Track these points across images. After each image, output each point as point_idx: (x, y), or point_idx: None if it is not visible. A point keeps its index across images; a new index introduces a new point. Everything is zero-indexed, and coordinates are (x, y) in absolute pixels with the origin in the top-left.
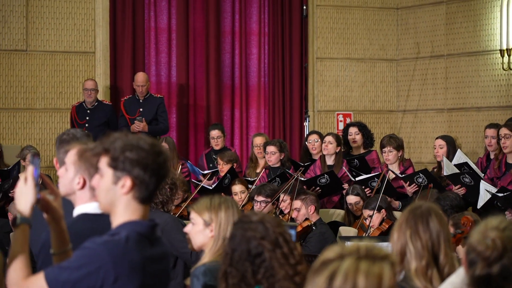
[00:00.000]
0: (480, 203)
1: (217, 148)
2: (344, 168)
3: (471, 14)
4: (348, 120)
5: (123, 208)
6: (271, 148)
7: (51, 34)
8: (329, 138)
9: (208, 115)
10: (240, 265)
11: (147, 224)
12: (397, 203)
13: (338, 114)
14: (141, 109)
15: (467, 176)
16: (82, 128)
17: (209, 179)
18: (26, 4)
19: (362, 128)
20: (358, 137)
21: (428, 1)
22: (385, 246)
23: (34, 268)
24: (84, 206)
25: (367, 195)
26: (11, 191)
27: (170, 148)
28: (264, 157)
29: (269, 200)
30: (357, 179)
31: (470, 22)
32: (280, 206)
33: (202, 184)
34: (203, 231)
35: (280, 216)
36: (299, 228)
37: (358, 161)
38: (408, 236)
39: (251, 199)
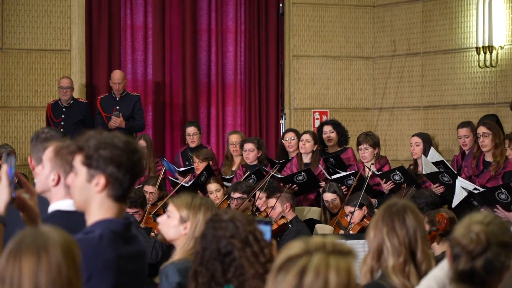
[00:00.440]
0: (455, 202)
1: (192, 145)
2: (320, 166)
3: (447, 12)
4: (324, 118)
5: (98, 206)
6: (249, 146)
7: (26, 32)
8: (306, 137)
9: (184, 113)
10: (210, 264)
11: (121, 222)
12: (373, 201)
13: (314, 112)
14: (117, 107)
15: (445, 175)
16: (57, 126)
17: (183, 175)
18: (1, 1)
19: (337, 126)
20: (333, 135)
21: None
22: (362, 244)
23: None
24: (58, 203)
25: (344, 193)
26: None
27: (147, 145)
28: (241, 155)
29: (245, 196)
30: (333, 177)
31: (446, 20)
32: (256, 204)
33: (181, 183)
34: (178, 226)
35: (257, 213)
36: (275, 226)
37: (334, 159)
38: (384, 233)
39: (227, 196)
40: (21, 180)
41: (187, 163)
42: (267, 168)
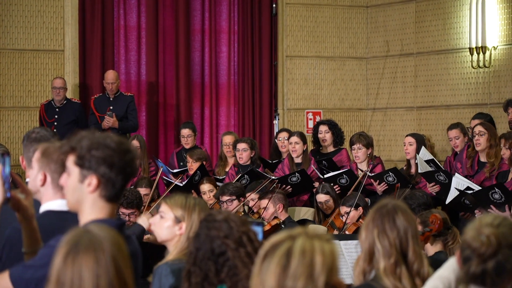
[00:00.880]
0: (449, 199)
1: (187, 147)
2: (312, 166)
3: (440, 12)
4: (318, 118)
5: (90, 207)
6: (242, 145)
7: (20, 32)
8: (295, 139)
9: (178, 113)
10: (204, 264)
11: (114, 223)
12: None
13: (307, 112)
14: (111, 107)
15: (442, 174)
16: (51, 127)
17: (180, 179)
18: None
19: (332, 126)
20: (328, 136)
21: None
22: (355, 245)
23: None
24: (49, 204)
25: (336, 192)
26: None
27: (140, 146)
28: (234, 155)
29: (234, 197)
30: (325, 176)
31: (440, 20)
32: (250, 205)
33: (175, 182)
34: (172, 227)
35: (250, 214)
36: (268, 227)
37: (326, 162)
38: (375, 235)
39: (217, 200)
40: (16, 180)
41: (181, 163)
42: (260, 169)
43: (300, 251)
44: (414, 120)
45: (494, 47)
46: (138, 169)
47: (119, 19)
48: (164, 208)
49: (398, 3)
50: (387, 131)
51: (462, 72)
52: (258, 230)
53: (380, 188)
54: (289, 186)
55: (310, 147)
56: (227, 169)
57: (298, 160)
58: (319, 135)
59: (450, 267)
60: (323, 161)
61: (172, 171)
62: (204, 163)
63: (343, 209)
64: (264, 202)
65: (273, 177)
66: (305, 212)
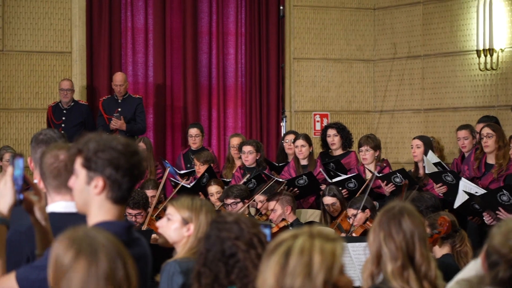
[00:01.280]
0: (457, 203)
1: (194, 147)
2: (320, 168)
3: (447, 15)
4: (325, 120)
5: (97, 209)
6: (247, 148)
7: (27, 34)
8: (300, 142)
9: (185, 115)
10: (214, 265)
11: (121, 225)
12: (374, 203)
13: (315, 115)
14: (119, 109)
15: (449, 174)
16: (58, 129)
17: (186, 180)
18: (2, 4)
19: (341, 130)
20: (337, 139)
21: (405, 1)
22: (363, 247)
23: None
24: (52, 206)
25: (344, 196)
26: None
27: (147, 148)
28: (240, 157)
29: (238, 200)
30: (333, 180)
31: (447, 23)
32: (258, 207)
33: (182, 183)
34: (180, 228)
35: (258, 216)
36: (276, 229)
37: (334, 164)
38: (382, 238)
39: (222, 203)
40: (30, 183)
41: (188, 165)
42: (266, 171)
43: (299, 250)
44: (421, 122)
45: (501, 49)
46: (145, 171)
47: (126, 21)
48: (170, 210)
49: (405, 5)
50: (394, 133)
51: (469, 74)
52: (266, 232)
53: (387, 189)
54: (296, 189)
55: (319, 149)
56: (234, 171)
57: (304, 162)
58: (328, 139)
59: (472, 270)
60: (331, 163)
61: (179, 172)
62: (212, 165)
63: (350, 211)
64: (272, 204)
65: (280, 179)
66: (311, 214)
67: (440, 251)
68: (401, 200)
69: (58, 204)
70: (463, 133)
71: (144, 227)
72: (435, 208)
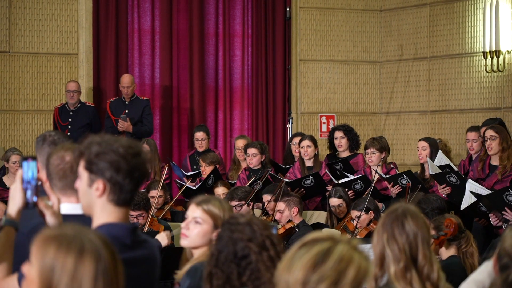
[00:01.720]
0: (464, 205)
1: (201, 150)
2: (324, 169)
3: (454, 17)
4: (331, 122)
5: (100, 211)
6: (252, 150)
7: (34, 36)
8: (306, 143)
9: (191, 117)
10: (226, 266)
11: (124, 227)
12: (380, 205)
13: (321, 116)
14: (126, 111)
15: (453, 175)
16: (65, 130)
17: (192, 181)
18: (9, 5)
19: (348, 132)
20: (344, 141)
21: (412, 3)
22: (368, 248)
23: None
24: None
25: (350, 197)
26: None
27: (151, 150)
28: (245, 159)
29: (243, 203)
30: (340, 181)
31: (453, 25)
32: (265, 207)
33: (186, 185)
34: (210, 233)
35: (264, 217)
36: (282, 230)
37: (342, 164)
38: (385, 240)
39: None
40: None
41: (195, 167)
42: (271, 171)
43: (339, 256)
44: (427, 124)
45: (508, 51)
46: (147, 172)
47: (133, 23)
48: (200, 214)
49: (411, 7)
50: (400, 135)
51: (475, 76)
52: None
53: (394, 190)
54: (302, 189)
55: (325, 151)
56: (240, 173)
57: (309, 164)
58: (335, 141)
59: (485, 272)
60: (339, 163)
61: (186, 173)
62: (217, 166)
63: (354, 213)
64: (280, 205)
65: (287, 180)
66: (318, 216)
67: (446, 252)
68: (405, 201)
69: (63, 206)
70: (472, 135)
71: (145, 229)
72: (440, 210)
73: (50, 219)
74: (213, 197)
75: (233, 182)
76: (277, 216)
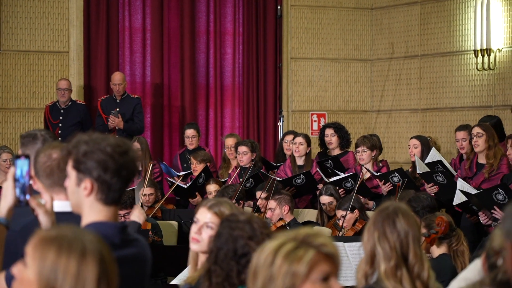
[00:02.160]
0: (456, 201)
1: (191, 147)
2: (315, 168)
3: (445, 15)
4: (322, 120)
5: (88, 210)
6: (242, 148)
7: (24, 34)
8: (299, 140)
9: (182, 115)
10: (225, 264)
11: (113, 226)
12: (371, 203)
13: (312, 114)
14: (118, 109)
15: (440, 174)
16: (55, 128)
17: (183, 180)
18: None
19: (338, 130)
20: (334, 139)
21: (403, 1)
22: (358, 247)
23: None
24: None
25: (341, 195)
26: None
27: (142, 148)
28: (236, 157)
29: (233, 201)
30: (331, 179)
31: (444, 23)
32: (258, 204)
33: (177, 183)
34: None
35: (256, 214)
36: (273, 228)
37: (332, 161)
38: (376, 238)
39: None
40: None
41: (185, 165)
42: (262, 170)
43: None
44: (418, 122)
45: (499, 49)
46: (136, 170)
47: (124, 21)
48: (212, 218)
49: (402, 5)
50: (391, 133)
51: (467, 74)
52: None
53: (385, 188)
54: (293, 188)
55: (316, 149)
56: (230, 171)
57: (300, 162)
58: (326, 139)
59: (475, 270)
60: (329, 160)
61: (178, 174)
62: (208, 164)
63: (339, 212)
64: (271, 203)
65: (278, 178)
66: (309, 214)
67: (437, 251)
68: (395, 199)
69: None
70: (461, 134)
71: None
72: (431, 208)
73: (42, 217)
74: (223, 200)
75: (223, 180)
76: (268, 214)
